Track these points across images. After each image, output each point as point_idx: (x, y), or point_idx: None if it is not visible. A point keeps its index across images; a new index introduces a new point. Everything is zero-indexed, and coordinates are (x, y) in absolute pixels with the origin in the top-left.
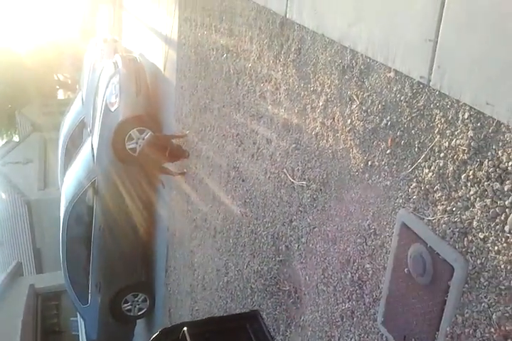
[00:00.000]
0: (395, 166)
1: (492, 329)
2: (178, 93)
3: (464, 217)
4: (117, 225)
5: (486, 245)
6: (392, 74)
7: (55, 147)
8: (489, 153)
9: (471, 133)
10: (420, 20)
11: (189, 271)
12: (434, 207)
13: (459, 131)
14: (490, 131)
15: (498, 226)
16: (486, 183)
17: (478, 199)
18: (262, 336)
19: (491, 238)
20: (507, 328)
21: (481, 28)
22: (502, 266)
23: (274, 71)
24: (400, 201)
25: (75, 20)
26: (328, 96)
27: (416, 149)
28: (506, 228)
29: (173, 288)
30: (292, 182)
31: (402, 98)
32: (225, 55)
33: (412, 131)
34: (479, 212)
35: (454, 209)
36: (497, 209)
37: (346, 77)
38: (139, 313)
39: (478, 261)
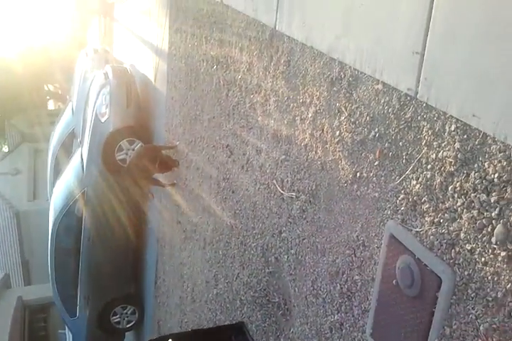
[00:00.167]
0: (383, 178)
1: None
2: (169, 104)
3: (452, 228)
4: (106, 237)
5: (473, 256)
6: (380, 86)
7: (45, 158)
8: (476, 165)
9: (457, 145)
10: (407, 33)
11: (178, 283)
12: (422, 219)
13: (445, 142)
14: (476, 143)
15: (485, 238)
16: (472, 195)
17: (465, 210)
18: None
19: (478, 249)
20: (494, 340)
21: (467, 41)
22: (489, 278)
23: (263, 82)
24: (388, 212)
25: (66, 31)
26: (317, 108)
27: (404, 161)
28: (493, 239)
29: (163, 300)
30: (282, 193)
31: (389, 110)
32: (215, 67)
33: (400, 143)
34: (466, 223)
35: (441, 220)
36: (484, 220)
37: (335, 88)
38: (128, 326)
39: (466, 273)
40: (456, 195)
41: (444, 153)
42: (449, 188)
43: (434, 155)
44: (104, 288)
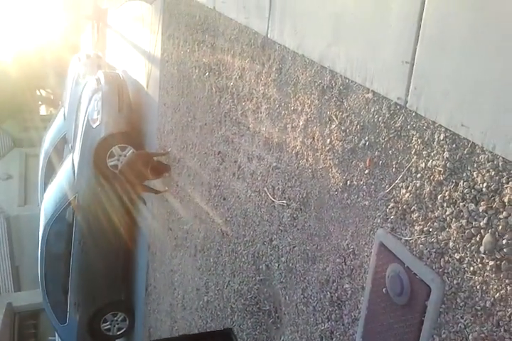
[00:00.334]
0: (373, 186)
1: None
2: (161, 110)
3: (441, 237)
4: (97, 243)
5: (462, 266)
6: (370, 95)
7: (36, 163)
8: (464, 174)
9: (446, 155)
10: (397, 42)
11: (169, 290)
12: (412, 228)
13: (435, 152)
14: (465, 152)
15: (473, 247)
16: (461, 204)
17: (454, 219)
18: None
19: (466, 258)
20: None
21: (456, 51)
22: (478, 287)
23: (255, 90)
24: (378, 221)
25: (58, 36)
26: (308, 116)
27: (393, 169)
28: (481, 249)
29: (153, 307)
30: (273, 201)
31: (380, 119)
32: (207, 73)
33: (390, 152)
34: (455, 232)
35: (430, 229)
36: (472, 230)
37: (326, 97)
38: (118, 333)
39: (455, 282)
40: (445, 204)
41: (434, 162)
42: (438, 197)
43: (424, 164)
44: (95, 295)
